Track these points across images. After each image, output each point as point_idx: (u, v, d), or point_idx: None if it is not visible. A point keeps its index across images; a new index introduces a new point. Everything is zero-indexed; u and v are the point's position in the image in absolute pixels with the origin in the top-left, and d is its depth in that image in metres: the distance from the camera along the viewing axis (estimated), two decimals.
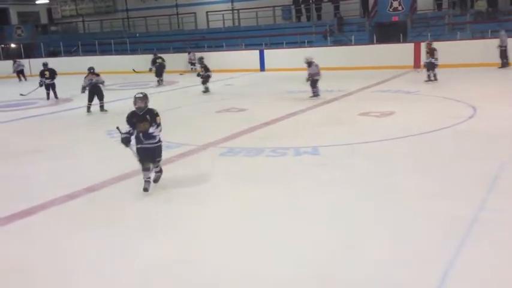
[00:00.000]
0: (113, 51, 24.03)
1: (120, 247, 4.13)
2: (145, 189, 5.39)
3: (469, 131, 7.73)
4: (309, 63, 12.06)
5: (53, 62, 21.64)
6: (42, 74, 14.78)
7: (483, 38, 17.38)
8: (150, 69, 17.58)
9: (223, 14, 24.66)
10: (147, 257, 3.90)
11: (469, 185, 5.21)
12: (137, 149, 5.46)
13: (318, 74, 11.98)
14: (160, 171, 5.74)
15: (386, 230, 4.21)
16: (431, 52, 13.34)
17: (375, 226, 4.32)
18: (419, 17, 20.31)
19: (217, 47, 22.43)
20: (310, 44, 20.70)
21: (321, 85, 14.27)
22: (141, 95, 5.45)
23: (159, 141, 5.57)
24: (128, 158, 7.00)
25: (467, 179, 5.39)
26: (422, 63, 13.51)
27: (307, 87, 12.05)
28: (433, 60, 13.32)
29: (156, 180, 5.65)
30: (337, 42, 20.35)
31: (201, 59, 14.90)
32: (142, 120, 5.39)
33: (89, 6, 30.63)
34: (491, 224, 4.22)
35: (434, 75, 13.44)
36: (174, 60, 21.69)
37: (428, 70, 13.49)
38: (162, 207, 5.07)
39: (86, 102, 11.44)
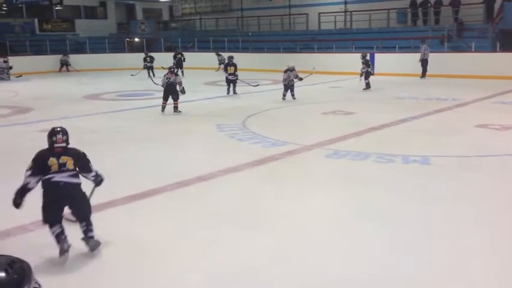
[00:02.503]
0: (226, 48, 24.90)
1: (227, 237, 4.32)
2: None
3: None
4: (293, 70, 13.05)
5: (169, 57, 23.15)
6: (145, 60, 20.51)
7: None
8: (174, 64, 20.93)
9: (335, 16, 24.46)
10: (250, 249, 4.04)
11: None
12: None
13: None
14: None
15: (504, 256, 3.93)
16: (366, 63, 14.80)
17: (490, 249, 4.06)
18: None
19: (327, 48, 22.31)
20: None
21: (434, 92, 13.76)
22: None
23: None
24: (237, 152, 7.32)
25: None
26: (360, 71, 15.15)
27: (418, 93, 11.59)
28: (369, 70, 14.85)
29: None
30: (455, 49, 19.24)
31: (229, 57, 14.46)
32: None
33: (207, 4, 32.08)
34: None
35: (368, 83, 14.76)
36: (287, 61, 21.96)
37: (366, 79, 14.77)
38: (268, 202, 5.19)
39: (195, 95, 11.98)
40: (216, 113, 11.23)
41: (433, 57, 18.85)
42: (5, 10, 28.02)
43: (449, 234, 4.30)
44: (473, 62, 17.70)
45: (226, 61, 14.85)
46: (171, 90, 11.04)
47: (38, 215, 4.74)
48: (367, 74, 14.88)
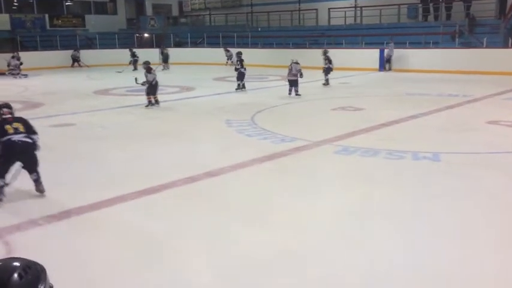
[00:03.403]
0: (235, 44, 24.84)
1: (235, 232, 4.32)
2: None
3: None
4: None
5: (178, 52, 23.29)
6: (133, 55, 21.91)
7: None
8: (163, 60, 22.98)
9: (345, 11, 24.31)
10: (258, 245, 4.03)
11: None
12: None
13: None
14: None
15: None
16: (327, 59, 15.14)
17: (500, 247, 4.01)
18: None
19: (336, 44, 22.18)
20: (436, 44, 19.64)
21: (445, 88, 13.66)
22: None
23: None
24: (245, 148, 7.31)
25: None
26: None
27: (428, 90, 11.49)
28: (331, 66, 15.11)
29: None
30: (467, 45, 19.05)
31: (238, 54, 14.58)
32: None
33: (217, 0, 32.04)
34: None
35: (327, 80, 15.11)
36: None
37: (326, 74, 15.14)
38: (277, 198, 5.18)
39: (204, 91, 11.96)
40: (225, 108, 11.22)
41: (444, 53, 18.73)
42: (16, 6, 28.19)
43: (460, 231, 4.27)
44: (485, 58, 17.54)
45: (235, 57, 14.83)
46: (156, 87, 11.32)
47: (48, 209, 4.76)
48: (327, 70, 15.13)
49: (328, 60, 15.23)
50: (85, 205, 4.92)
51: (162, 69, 21.36)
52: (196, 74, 19.87)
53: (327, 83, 15.19)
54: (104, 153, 7.20)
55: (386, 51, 19.61)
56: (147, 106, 11.36)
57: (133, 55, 22.04)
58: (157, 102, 11.48)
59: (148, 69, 11.43)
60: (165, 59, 22.97)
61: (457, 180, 5.62)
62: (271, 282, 3.48)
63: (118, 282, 3.55)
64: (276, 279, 3.50)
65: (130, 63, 21.71)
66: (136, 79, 12.37)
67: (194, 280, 3.53)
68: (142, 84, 11.36)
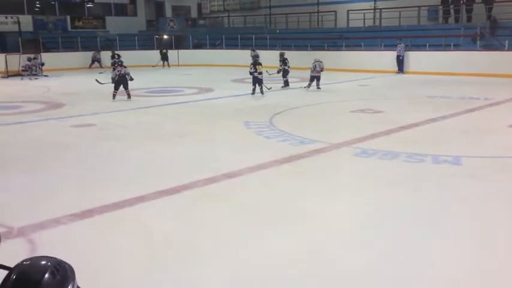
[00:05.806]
0: (253, 46, 24.88)
1: (252, 234, 4.34)
2: None
3: None
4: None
5: (197, 54, 23.39)
6: (113, 57, 21.84)
7: None
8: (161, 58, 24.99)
9: (364, 13, 24.17)
10: (277, 247, 4.04)
11: None
12: None
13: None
14: None
15: None
16: (284, 61, 15.36)
17: None
18: None
19: (355, 46, 22.09)
20: (457, 47, 19.39)
21: (466, 91, 13.53)
22: None
23: None
24: (264, 150, 7.33)
25: None
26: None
27: (449, 92, 11.36)
28: (286, 68, 15.21)
29: None
30: (488, 47, 18.79)
31: (254, 56, 14.80)
32: None
33: (235, 2, 32.15)
34: None
35: (286, 81, 15.21)
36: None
37: (283, 76, 15.28)
38: (296, 200, 5.19)
39: (223, 92, 12.32)
40: (244, 110, 11.25)
41: (465, 56, 18.51)
42: (38, 7, 28.69)
43: (480, 236, 4.22)
44: (507, 60, 17.28)
45: (252, 59, 14.65)
46: (123, 81, 12.66)
47: (71, 208, 4.85)
48: (284, 72, 15.30)
49: (284, 62, 15.43)
50: (106, 204, 4.99)
51: (163, 67, 23.52)
52: (214, 76, 19.97)
53: (285, 84, 15.19)
54: (124, 154, 7.29)
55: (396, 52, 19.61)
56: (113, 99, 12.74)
57: (113, 57, 22.34)
58: (128, 96, 12.81)
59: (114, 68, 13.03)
60: (165, 57, 24.98)
61: (478, 184, 5.56)
62: (293, 284, 3.48)
63: (138, 282, 3.59)
64: (297, 281, 3.51)
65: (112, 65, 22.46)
66: (97, 80, 14.04)
67: (214, 282, 3.55)
68: (112, 81, 12.91)
